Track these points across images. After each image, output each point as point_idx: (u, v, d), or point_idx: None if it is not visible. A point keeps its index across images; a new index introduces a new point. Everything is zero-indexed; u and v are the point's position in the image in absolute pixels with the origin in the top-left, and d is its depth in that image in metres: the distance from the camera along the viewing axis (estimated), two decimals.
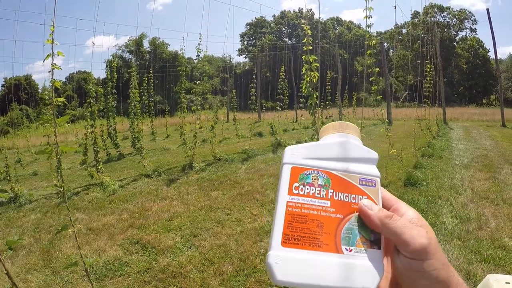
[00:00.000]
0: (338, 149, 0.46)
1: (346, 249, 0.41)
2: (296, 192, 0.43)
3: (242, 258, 3.39)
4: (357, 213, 0.43)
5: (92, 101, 7.70)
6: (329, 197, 0.43)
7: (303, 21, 4.50)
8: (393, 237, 0.40)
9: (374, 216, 0.42)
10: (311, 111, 4.19)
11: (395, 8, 7.53)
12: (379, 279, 0.40)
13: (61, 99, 2.74)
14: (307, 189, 0.43)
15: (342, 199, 0.43)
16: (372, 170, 0.46)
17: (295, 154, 0.45)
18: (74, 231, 2.15)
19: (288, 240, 0.40)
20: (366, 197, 0.44)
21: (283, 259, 0.39)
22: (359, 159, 0.46)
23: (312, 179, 0.44)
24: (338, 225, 0.42)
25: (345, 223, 0.42)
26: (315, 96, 4.20)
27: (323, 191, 0.43)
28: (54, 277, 3.26)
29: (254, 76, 11.66)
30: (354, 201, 0.44)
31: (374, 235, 0.42)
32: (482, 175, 6.13)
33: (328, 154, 0.46)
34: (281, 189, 0.43)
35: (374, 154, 0.48)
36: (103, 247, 3.83)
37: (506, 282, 0.72)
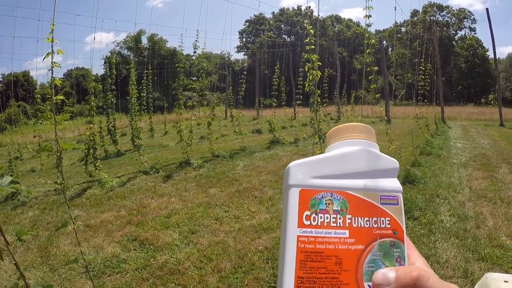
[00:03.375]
0: (353, 161, 0.39)
1: (369, 286, 0.36)
2: (307, 223, 0.36)
3: (240, 255, 3.39)
4: (380, 240, 0.37)
5: (92, 98, 7.68)
6: (347, 225, 0.37)
7: (306, 21, 4.50)
8: None
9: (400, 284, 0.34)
10: (313, 108, 4.20)
11: (395, 9, 7.51)
12: None
13: (60, 97, 2.72)
14: (321, 218, 0.37)
15: (362, 225, 0.37)
16: (394, 183, 0.40)
17: (302, 173, 0.38)
18: (74, 228, 2.14)
19: (303, 284, 0.35)
20: (389, 218, 0.38)
21: None
22: (378, 172, 0.40)
23: (326, 204, 0.37)
24: (359, 258, 0.36)
25: (367, 255, 0.36)
26: (317, 94, 4.20)
27: (340, 218, 0.37)
28: (52, 274, 3.26)
29: (245, 72, 11.69)
30: (376, 225, 0.38)
31: (399, 264, 0.37)
32: (480, 173, 6.15)
33: (341, 169, 0.39)
34: (289, 220, 0.37)
35: (395, 163, 0.41)
36: (101, 244, 3.82)
37: (504, 281, 0.72)
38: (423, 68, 9.25)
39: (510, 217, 4.08)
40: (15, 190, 5.76)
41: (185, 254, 3.48)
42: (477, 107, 31.16)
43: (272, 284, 2.88)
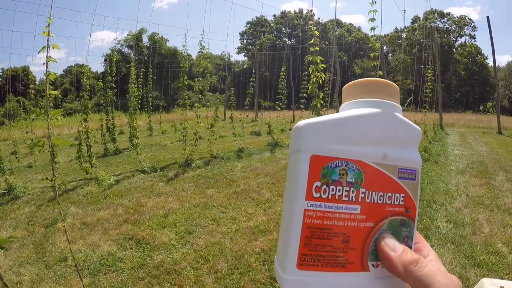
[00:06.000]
0: (372, 126, 0.34)
1: (373, 265, 0.34)
2: (317, 195, 0.32)
3: (236, 257, 3.39)
4: (391, 218, 0.35)
5: (86, 95, 7.62)
6: (359, 200, 0.33)
7: (310, 22, 4.50)
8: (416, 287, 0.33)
9: (397, 261, 0.33)
10: (315, 111, 4.20)
11: (404, 12, 7.55)
12: None
13: (54, 92, 2.71)
14: (332, 190, 0.33)
15: (375, 201, 0.34)
16: (413, 155, 0.37)
17: (315, 135, 0.33)
18: (64, 226, 2.13)
19: (306, 262, 0.32)
20: (404, 195, 0.35)
21: (300, 286, 0.32)
22: (400, 140, 0.36)
23: (340, 174, 0.33)
24: (366, 236, 0.34)
25: (375, 233, 0.34)
26: (320, 97, 4.21)
27: (353, 191, 0.33)
28: (47, 271, 3.24)
29: (254, 76, 11.71)
30: (389, 202, 0.35)
31: (406, 244, 0.35)
32: (477, 181, 6.16)
33: (359, 134, 0.34)
34: (296, 191, 0.32)
35: (418, 131, 0.37)
36: (97, 242, 3.81)
37: (500, 286, 0.72)
38: (428, 75, 9.27)
39: (506, 224, 4.10)
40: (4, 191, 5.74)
41: (182, 254, 3.48)
42: (476, 114, 31.24)
43: (269, 286, 2.88)
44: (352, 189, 0.33)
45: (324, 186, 0.33)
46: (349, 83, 0.37)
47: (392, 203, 0.35)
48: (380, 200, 0.34)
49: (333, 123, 0.34)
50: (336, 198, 0.33)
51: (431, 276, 0.32)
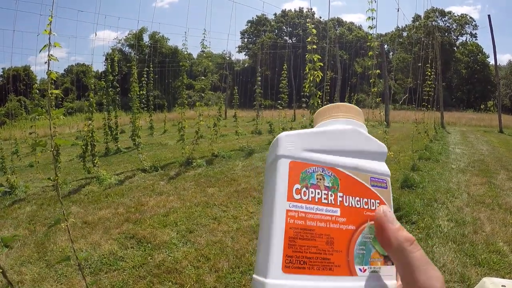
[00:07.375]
0: (345, 139, 0.37)
1: (360, 270, 0.33)
2: (298, 197, 0.33)
3: (238, 256, 3.39)
4: (371, 223, 0.35)
5: (91, 93, 7.64)
6: (338, 203, 0.34)
7: (308, 20, 4.51)
8: (404, 269, 0.32)
9: (392, 234, 0.33)
10: (313, 110, 4.20)
11: (397, 10, 7.54)
12: None
13: (56, 91, 2.71)
14: (312, 192, 0.33)
15: (354, 205, 0.35)
16: (383, 167, 0.38)
17: (293, 144, 0.35)
18: (67, 225, 2.13)
19: (291, 264, 0.31)
20: (379, 201, 0.36)
21: None
22: (369, 153, 0.38)
23: (317, 179, 0.34)
24: (350, 239, 0.34)
25: (358, 236, 0.34)
26: (317, 96, 4.20)
27: (331, 195, 0.34)
28: (49, 270, 3.25)
29: (259, 75, 11.74)
30: (366, 206, 0.36)
31: None
32: (478, 179, 6.15)
33: (333, 145, 0.36)
34: (277, 192, 0.33)
35: (384, 148, 0.39)
36: (99, 241, 3.82)
37: (502, 285, 0.72)
38: (429, 74, 9.25)
39: (508, 223, 4.09)
40: None
41: (183, 253, 3.48)
42: (477, 113, 31.16)
43: None
44: (330, 192, 0.34)
45: (304, 189, 0.33)
46: (322, 107, 0.41)
47: (369, 208, 0.36)
48: (358, 204, 0.35)
49: (309, 135, 0.36)
50: (316, 200, 0.33)
51: (422, 260, 0.32)
